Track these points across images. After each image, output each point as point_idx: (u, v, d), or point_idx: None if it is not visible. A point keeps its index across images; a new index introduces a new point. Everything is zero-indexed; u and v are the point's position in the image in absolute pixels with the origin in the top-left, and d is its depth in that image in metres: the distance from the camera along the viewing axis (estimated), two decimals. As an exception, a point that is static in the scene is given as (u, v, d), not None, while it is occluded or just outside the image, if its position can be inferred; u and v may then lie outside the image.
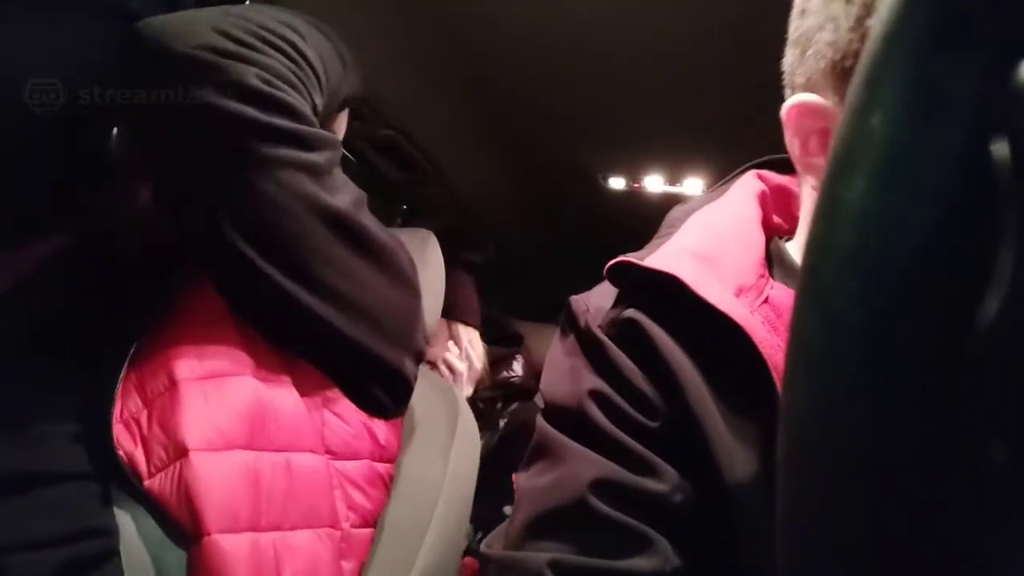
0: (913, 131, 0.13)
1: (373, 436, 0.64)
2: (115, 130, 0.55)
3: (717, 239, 0.45)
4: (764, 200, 0.50)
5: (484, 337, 1.42)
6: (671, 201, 1.60)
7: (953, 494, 0.13)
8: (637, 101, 1.16)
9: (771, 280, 0.44)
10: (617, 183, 1.55)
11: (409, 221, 1.59)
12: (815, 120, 0.40)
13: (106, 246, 0.59)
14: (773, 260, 0.47)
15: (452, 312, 1.35)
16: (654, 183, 1.51)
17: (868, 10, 0.35)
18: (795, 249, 0.47)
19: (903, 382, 0.13)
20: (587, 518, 0.38)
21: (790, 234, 0.50)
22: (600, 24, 0.95)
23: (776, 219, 0.51)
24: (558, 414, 0.44)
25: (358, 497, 0.61)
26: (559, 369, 0.46)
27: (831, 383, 0.14)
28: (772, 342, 0.39)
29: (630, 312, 0.43)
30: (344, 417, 0.61)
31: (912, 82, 0.13)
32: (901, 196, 0.13)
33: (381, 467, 0.64)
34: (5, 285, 0.53)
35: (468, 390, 1.33)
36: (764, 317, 0.41)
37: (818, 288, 0.15)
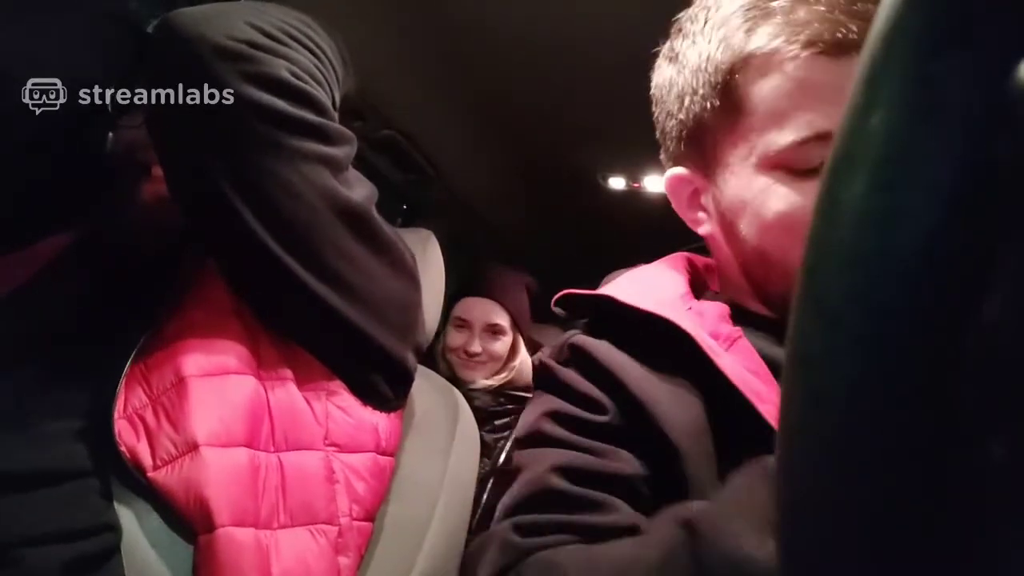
0: (913, 130, 0.13)
1: (375, 429, 0.64)
2: (111, 134, 0.55)
3: (644, 278, 0.57)
4: (690, 262, 0.62)
5: None
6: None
7: (953, 494, 0.13)
8: (637, 101, 1.16)
9: (694, 300, 0.54)
10: (617, 183, 1.55)
11: (409, 221, 1.59)
12: (685, 186, 0.54)
13: (109, 245, 0.59)
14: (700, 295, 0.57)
15: (516, 312, 1.45)
16: (654, 183, 1.51)
17: (692, 90, 0.50)
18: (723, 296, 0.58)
19: (902, 382, 0.13)
20: (549, 494, 0.44)
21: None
22: (600, 24, 0.95)
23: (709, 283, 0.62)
24: (522, 443, 0.51)
25: (362, 489, 0.61)
26: (525, 417, 0.54)
27: (829, 383, 0.14)
28: (697, 325, 0.47)
29: (573, 339, 0.52)
30: (347, 410, 0.62)
31: (912, 81, 0.13)
32: (900, 195, 0.13)
33: (383, 460, 0.65)
34: (12, 285, 0.54)
35: (483, 378, 1.38)
36: (691, 320, 0.49)
37: (816, 288, 0.15)
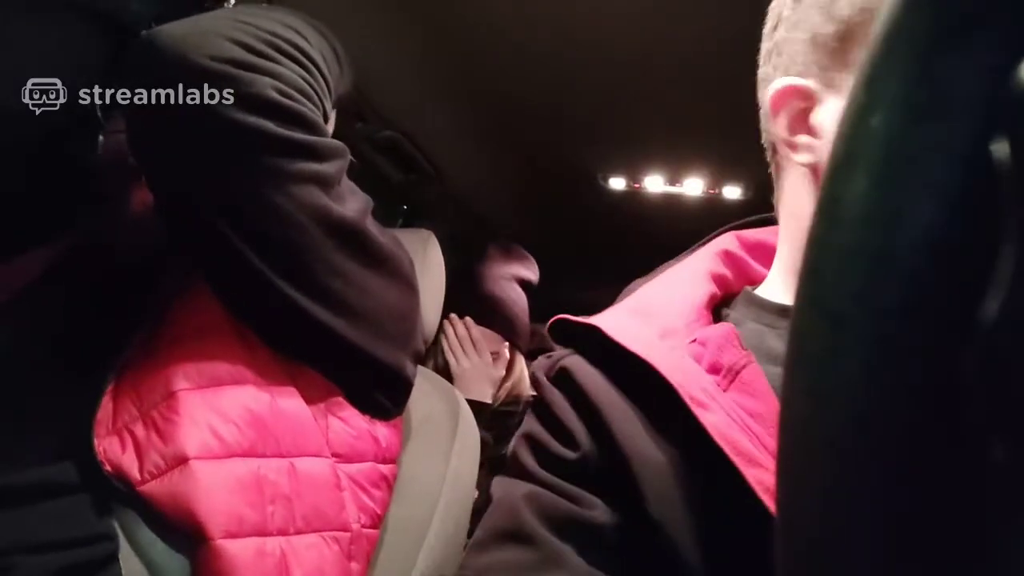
0: (914, 130, 0.13)
1: (375, 438, 0.64)
2: (100, 139, 0.54)
3: (652, 295, 0.51)
4: (728, 258, 0.54)
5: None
6: (671, 201, 1.61)
7: (955, 495, 0.13)
8: (637, 101, 1.16)
9: (710, 323, 0.49)
10: (617, 183, 1.55)
11: (409, 221, 1.59)
12: (800, 100, 0.44)
13: (99, 253, 0.59)
14: (739, 303, 0.51)
15: (511, 333, 1.34)
16: (654, 183, 1.51)
17: None
18: (767, 291, 0.51)
19: (903, 382, 0.13)
20: (518, 531, 0.41)
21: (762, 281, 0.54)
22: (600, 24, 0.95)
23: (756, 267, 0.55)
24: (506, 466, 0.47)
25: (367, 499, 0.61)
26: (519, 430, 0.50)
27: (831, 383, 0.14)
28: (687, 369, 0.42)
29: (566, 360, 0.47)
30: (348, 421, 0.62)
31: (913, 81, 0.13)
32: (902, 195, 0.13)
33: (385, 468, 0.65)
34: (3, 297, 0.53)
35: (488, 392, 1.30)
36: (692, 353, 0.44)
37: (818, 288, 0.15)
